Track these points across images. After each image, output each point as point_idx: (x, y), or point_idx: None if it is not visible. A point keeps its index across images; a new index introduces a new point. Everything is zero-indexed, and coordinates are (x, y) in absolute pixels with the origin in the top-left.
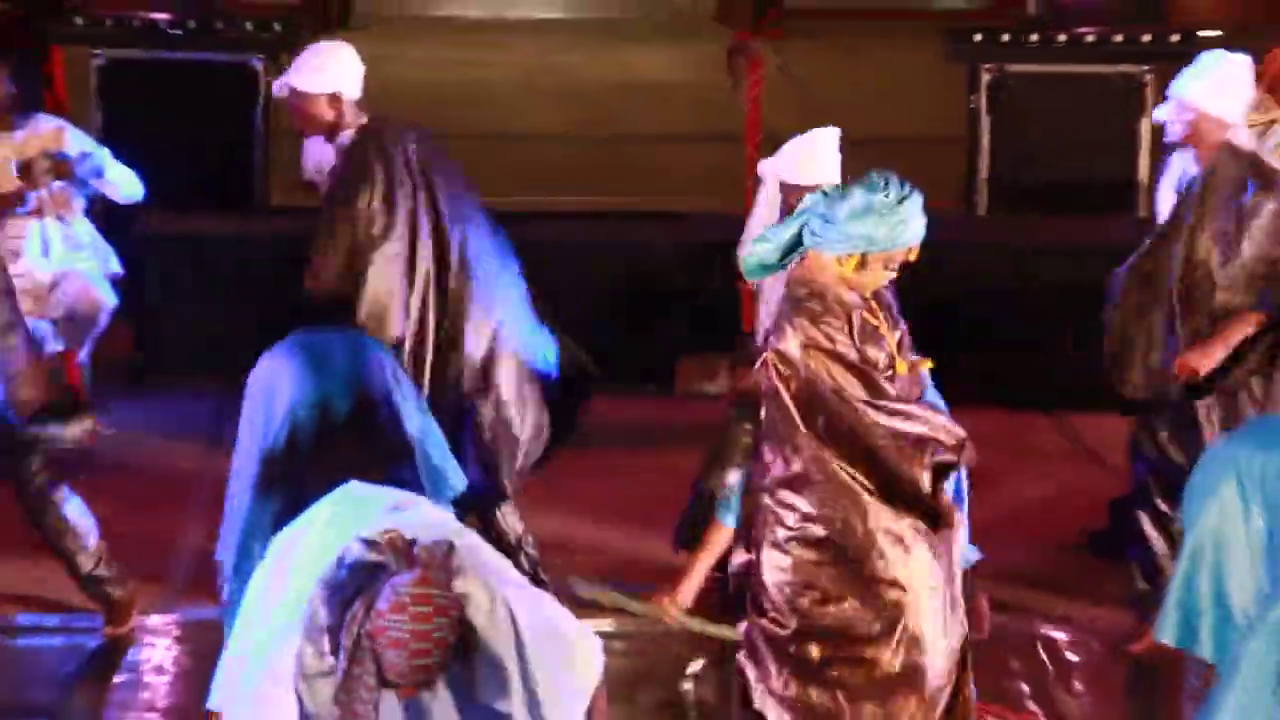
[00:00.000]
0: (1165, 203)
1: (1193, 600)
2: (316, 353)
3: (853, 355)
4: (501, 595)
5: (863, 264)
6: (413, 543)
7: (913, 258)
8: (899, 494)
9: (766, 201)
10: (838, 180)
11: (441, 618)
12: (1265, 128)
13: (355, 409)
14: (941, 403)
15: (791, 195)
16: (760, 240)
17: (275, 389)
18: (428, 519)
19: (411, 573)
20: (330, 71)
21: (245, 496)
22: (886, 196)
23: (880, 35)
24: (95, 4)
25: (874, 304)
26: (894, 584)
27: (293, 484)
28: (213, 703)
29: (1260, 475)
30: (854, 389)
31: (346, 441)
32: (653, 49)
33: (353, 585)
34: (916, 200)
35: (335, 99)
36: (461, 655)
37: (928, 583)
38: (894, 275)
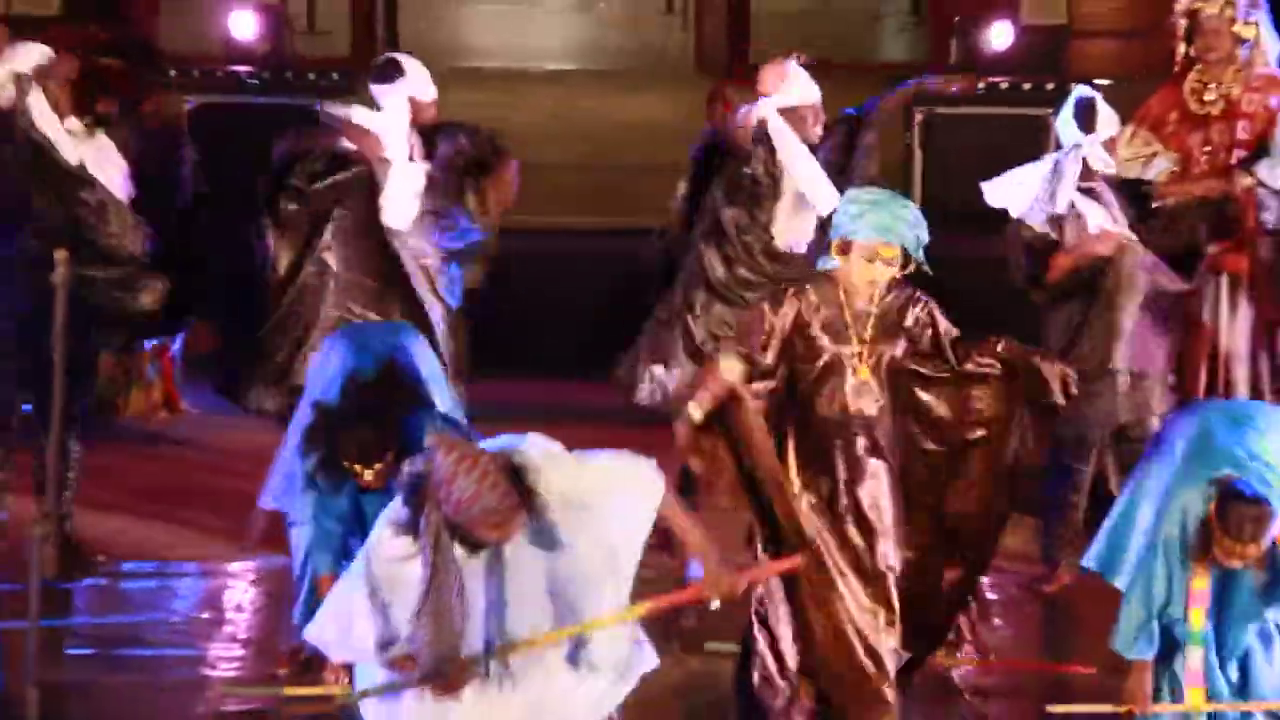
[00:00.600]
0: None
1: (1123, 537)
2: (359, 338)
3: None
4: (550, 459)
5: (844, 249)
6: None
7: (884, 254)
8: None
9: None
10: (819, 96)
11: (487, 464)
12: (1147, 160)
13: (382, 373)
14: None
15: (793, 120)
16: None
17: (328, 362)
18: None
19: (434, 458)
20: None
21: (296, 436)
22: (862, 194)
23: (832, 83)
24: (187, 59)
25: (870, 312)
26: None
27: (334, 422)
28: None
29: (1200, 434)
30: None
31: (372, 392)
32: (646, 95)
33: (413, 502)
34: (882, 204)
35: None
36: (530, 509)
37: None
38: (876, 273)
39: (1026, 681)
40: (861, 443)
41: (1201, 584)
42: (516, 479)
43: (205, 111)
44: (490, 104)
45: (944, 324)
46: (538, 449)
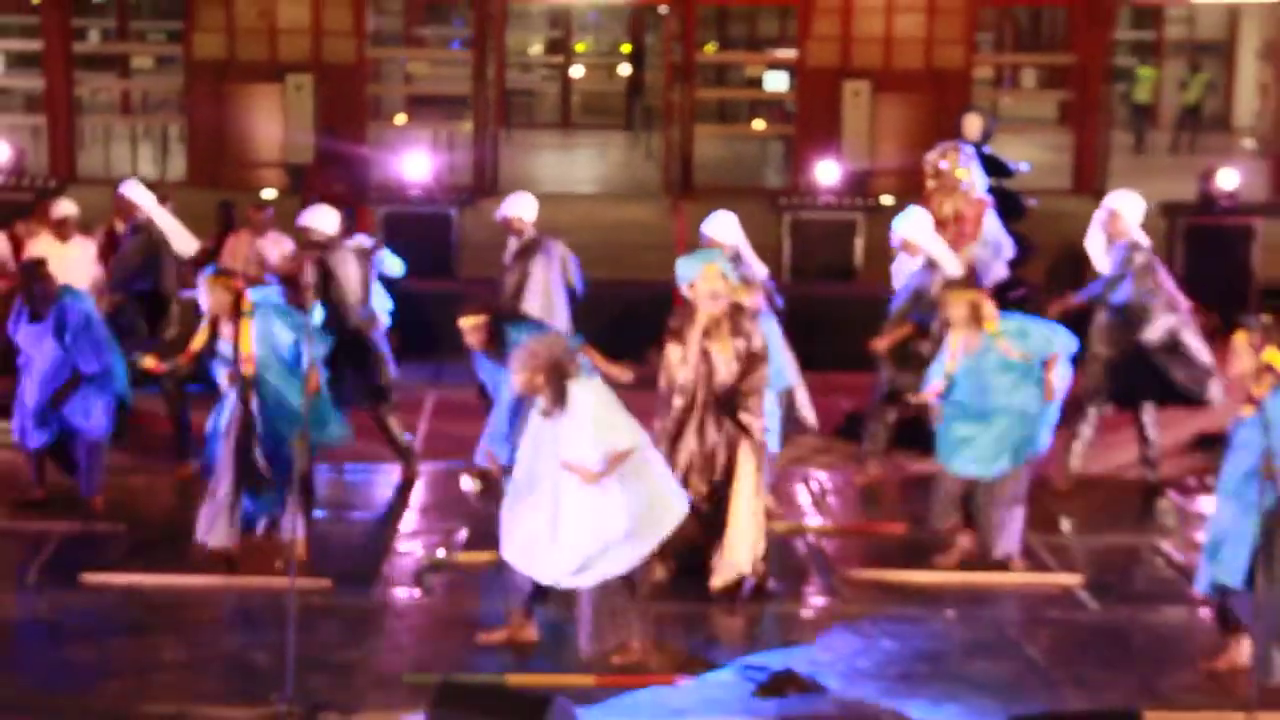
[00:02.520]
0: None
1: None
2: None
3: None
4: (586, 393)
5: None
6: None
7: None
8: None
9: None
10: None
11: (531, 359)
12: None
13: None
14: None
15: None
16: None
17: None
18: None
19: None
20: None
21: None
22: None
23: (739, 199)
24: (380, 186)
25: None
26: None
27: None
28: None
29: None
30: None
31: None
32: (634, 206)
33: None
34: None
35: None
36: (561, 401)
37: None
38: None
39: (852, 537)
40: None
41: (954, 347)
42: (555, 370)
43: (391, 216)
44: (547, 212)
45: None
46: (591, 376)
